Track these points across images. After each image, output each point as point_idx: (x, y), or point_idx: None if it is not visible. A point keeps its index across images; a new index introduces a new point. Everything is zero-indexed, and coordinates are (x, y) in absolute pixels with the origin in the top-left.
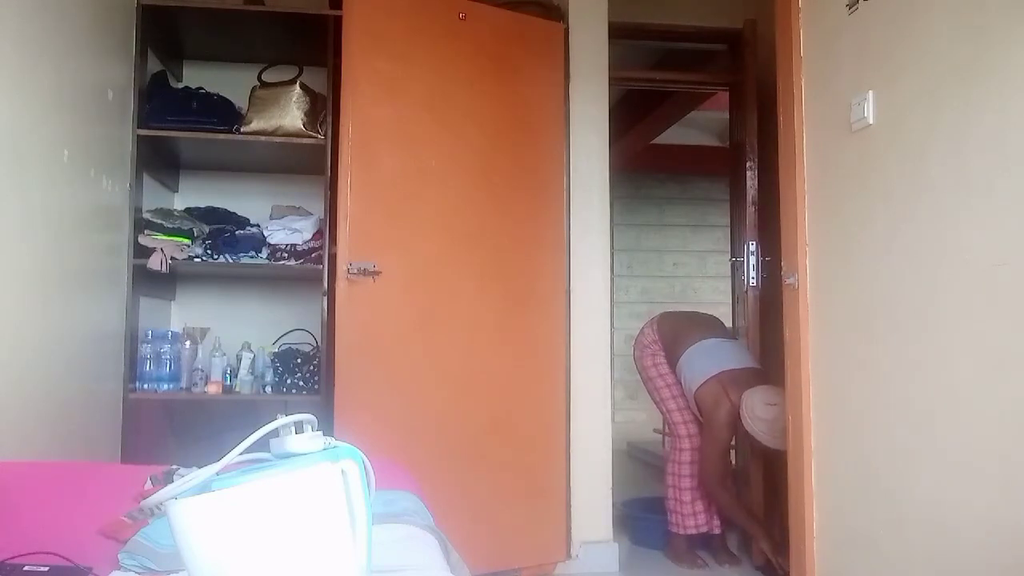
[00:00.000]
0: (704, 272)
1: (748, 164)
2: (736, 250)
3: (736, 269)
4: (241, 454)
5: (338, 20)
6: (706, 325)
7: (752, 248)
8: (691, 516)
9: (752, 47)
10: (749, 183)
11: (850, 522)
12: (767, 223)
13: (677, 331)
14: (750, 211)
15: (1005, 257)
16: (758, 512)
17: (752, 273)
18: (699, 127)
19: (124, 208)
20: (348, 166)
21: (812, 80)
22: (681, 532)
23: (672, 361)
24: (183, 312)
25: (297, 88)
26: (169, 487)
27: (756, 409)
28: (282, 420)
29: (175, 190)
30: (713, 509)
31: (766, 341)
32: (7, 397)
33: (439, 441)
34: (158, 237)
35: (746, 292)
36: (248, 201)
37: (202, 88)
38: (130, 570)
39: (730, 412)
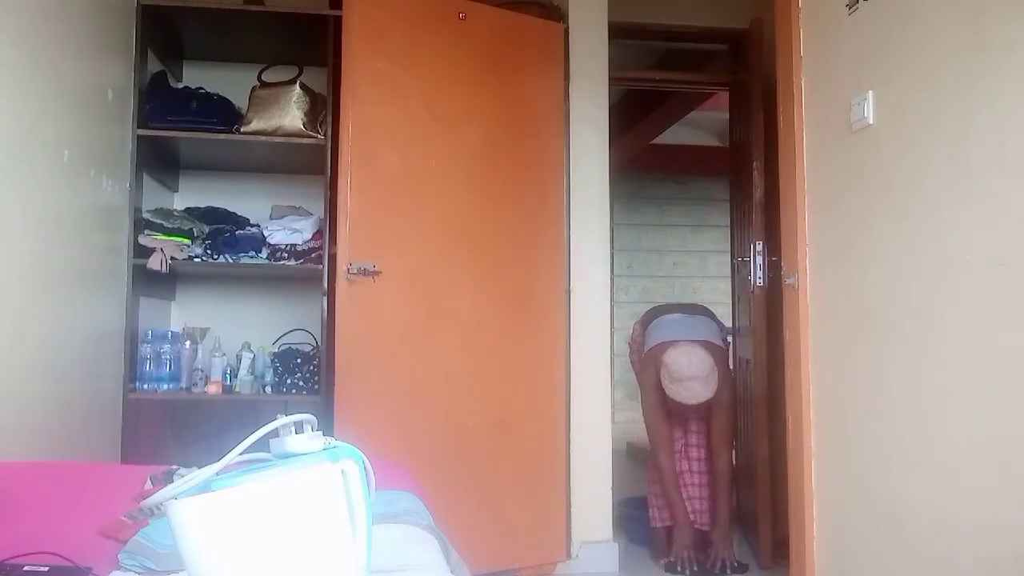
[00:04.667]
0: (704, 272)
1: (755, 164)
2: (740, 250)
3: (738, 269)
4: (241, 454)
5: (338, 20)
6: (680, 307)
7: (759, 248)
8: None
9: (758, 47)
10: (756, 183)
11: (850, 522)
12: (770, 223)
13: (653, 316)
14: (756, 211)
15: (1005, 257)
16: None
17: (759, 273)
18: (699, 127)
19: (124, 208)
20: (348, 166)
21: (812, 80)
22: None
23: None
24: (183, 312)
25: (297, 88)
26: (169, 487)
27: (669, 368)
28: (282, 420)
29: (175, 190)
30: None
31: (772, 340)
32: (7, 397)
33: (439, 441)
34: (158, 237)
35: (752, 292)
36: (248, 201)
37: (202, 88)
38: (130, 570)
39: (652, 378)
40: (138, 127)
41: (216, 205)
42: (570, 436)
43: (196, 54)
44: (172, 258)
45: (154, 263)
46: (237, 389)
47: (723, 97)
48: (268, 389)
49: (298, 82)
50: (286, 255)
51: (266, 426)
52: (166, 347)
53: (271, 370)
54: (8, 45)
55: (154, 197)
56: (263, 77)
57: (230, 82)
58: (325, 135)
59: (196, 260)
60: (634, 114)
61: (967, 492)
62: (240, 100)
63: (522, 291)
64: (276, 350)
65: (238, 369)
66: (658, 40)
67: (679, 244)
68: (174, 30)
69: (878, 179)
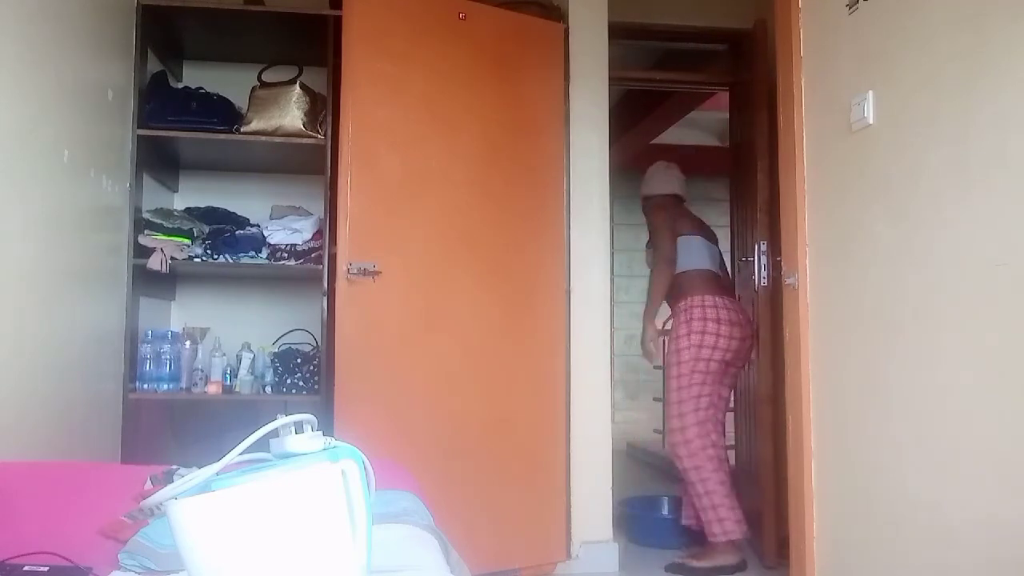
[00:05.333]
0: None
1: (759, 165)
2: (743, 250)
3: (740, 270)
4: (241, 454)
5: (338, 20)
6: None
7: (763, 248)
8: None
9: (762, 47)
10: (760, 184)
11: (850, 522)
12: (773, 223)
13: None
14: (760, 211)
15: (1005, 257)
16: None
17: (763, 273)
18: (699, 127)
19: (124, 208)
20: (348, 166)
21: (812, 80)
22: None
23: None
24: (183, 312)
25: (297, 88)
26: (169, 487)
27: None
28: (282, 420)
29: (175, 190)
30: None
31: (776, 341)
32: (7, 397)
33: (439, 441)
34: (158, 237)
35: (756, 292)
36: (248, 201)
37: (202, 88)
38: (130, 570)
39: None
40: (138, 127)
41: (216, 205)
42: (570, 436)
43: (196, 54)
44: (172, 258)
45: (154, 263)
46: (237, 389)
47: (723, 97)
48: (268, 389)
49: (298, 82)
50: (286, 255)
51: (266, 426)
52: (166, 347)
53: (271, 370)
54: (8, 45)
55: (154, 197)
56: (263, 77)
57: (230, 82)
58: (325, 135)
59: (196, 260)
60: (634, 114)
61: (967, 492)
62: (240, 100)
63: (522, 291)
64: (276, 350)
65: (238, 369)
66: (658, 40)
67: None
68: (174, 30)
69: (878, 179)
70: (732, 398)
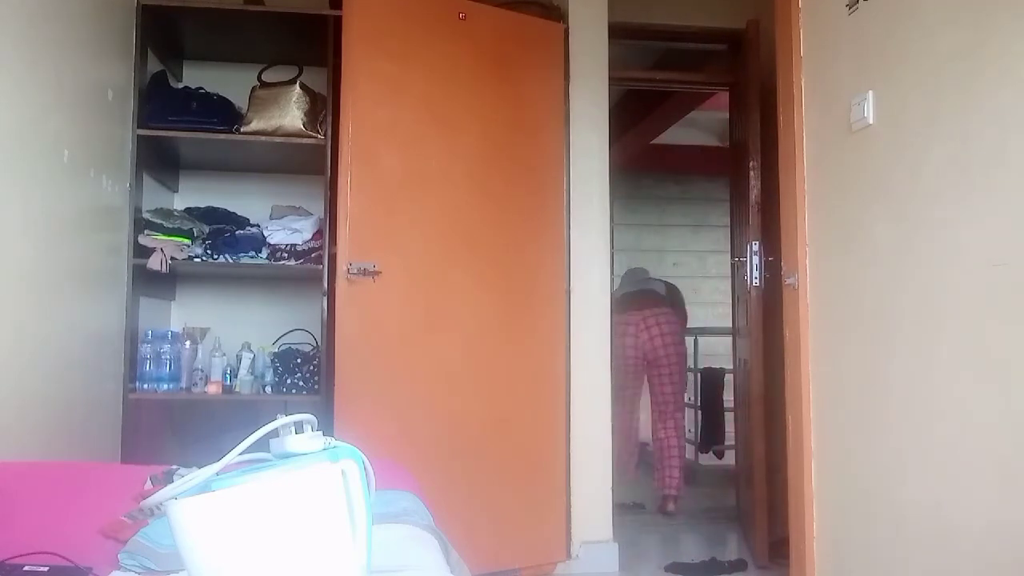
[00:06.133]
0: (704, 272)
1: (751, 164)
2: (738, 250)
3: (737, 269)
4: (241, 454)
5: (338, 20)
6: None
7: (755, 248)
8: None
9: (755, 47)
10: (752, 183)
11: (850, 522)
12: (769, 223)
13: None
14: (753, 211)
15: (1005, 257)
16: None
17: (755, 273)
18: (699, 127)
19: (124, 208)
20: (348, 166)
21: (812, 80)
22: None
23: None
24: (183, 312)
25: (297, 88)
26: (169, 487)
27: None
28: (282, 420)
29: (175, 190)
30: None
31: (769, 340)
32: (7, 397)
33: (439, 441)
34: (158, 237)
35: (749, 292)
36: (248, 201)
37: (202, 88)
38: (130, 570)
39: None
40: (138, 127)
41: (216, 205)
42: (570, 436)
43: (196, 54)
44: (172, 258)
45: (154, 263)
46: (237, 389)
47: (723, 97)
48: (268, 389)
49: (298, 82)
50: (286, 255)
51: (266, 426)
52: (166, 347)
53: (271, 370)
54: (8, 45)
55: (154, 197)
56: (263, 77)
57: (230, 82)
58: (325, 135)
59: (196, 260)
60: (634, 114)
61: (966, 493)
62: (240, 100)
63: (522, 291)
64: (276, 350)
65: (238, 369)
66: (658, 40)
67: (679, 244)
68: (174, 30)
69: (878, 179)
70: (732, 398)
